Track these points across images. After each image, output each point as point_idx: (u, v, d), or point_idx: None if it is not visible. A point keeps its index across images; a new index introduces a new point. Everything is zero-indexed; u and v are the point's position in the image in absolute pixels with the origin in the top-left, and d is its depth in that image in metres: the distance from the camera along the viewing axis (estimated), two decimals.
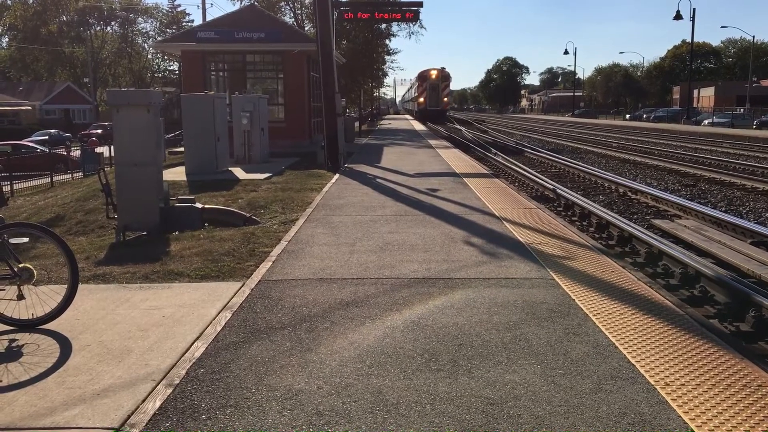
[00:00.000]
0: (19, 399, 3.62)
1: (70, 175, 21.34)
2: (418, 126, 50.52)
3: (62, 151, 23.83)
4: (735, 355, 4.09)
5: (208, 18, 44.17)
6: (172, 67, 77.19)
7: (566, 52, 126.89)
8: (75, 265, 4.87)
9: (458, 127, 52.18)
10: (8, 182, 17.16)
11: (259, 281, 5.94)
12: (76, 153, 23.65)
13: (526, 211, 9.88)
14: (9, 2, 72.35)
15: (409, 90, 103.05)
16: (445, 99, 63.82)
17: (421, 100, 63.97)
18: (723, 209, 12.33)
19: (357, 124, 40.16)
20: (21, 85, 67.29)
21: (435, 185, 13.03)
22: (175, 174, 15.34)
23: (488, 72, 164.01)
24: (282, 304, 5.25)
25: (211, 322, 4.84)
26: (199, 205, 9.56)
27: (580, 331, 4.53)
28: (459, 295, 5.42)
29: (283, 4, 47.85)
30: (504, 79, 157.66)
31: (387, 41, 50.34)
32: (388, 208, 10.14)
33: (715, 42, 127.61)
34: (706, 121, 55.69)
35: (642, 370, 3.86)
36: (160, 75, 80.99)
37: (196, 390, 3.67)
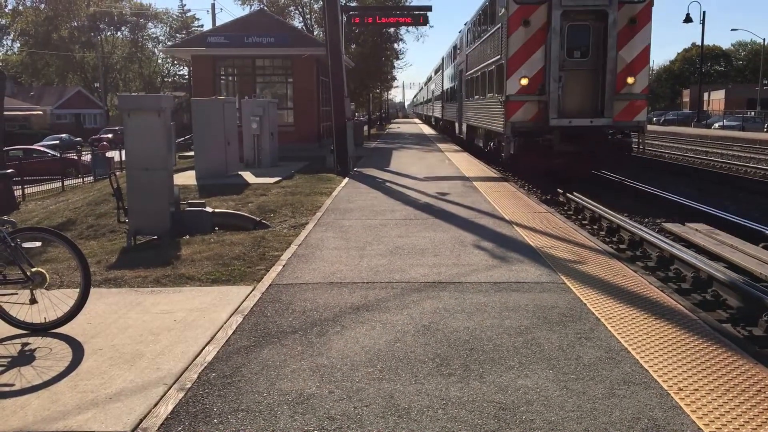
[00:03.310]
0: (32, 403, 3.64)
1: (80, 180, 21.47)
2: (427, 130, 50.31)
3: (73, 156, 24.00)
4: (749, 359, 4.06)
5: (218, 23, 44.41)
6: (182, 72, 77.68)
7: None
8: (87, 269, 4.90)
9: None
10: (20, 186, 17.28)
11: (270, 285, 5.95)
12: (86, 157, 23.80)
13: (536, 214, 9.85)
14: (21, 8, 73.03)
15: (437, 72, 42.93)
16: (630, 80, 14.43)
17: (524, 82, 14.60)
18: (734, 213, 12.23)
19: (366, 127, 40.22)
20: (32, 90, 67.81)
21: (444, 189, 13.01)
22: (186, 178, 15.39)
23: None
24: (293, 308, 5.26)
25: (222, 326, 4.85)
26: (209, 209, 9.59)
27: (592, 336, 4.51)
28: (470, 299, 5.41)
29: (292, 8, 48.17)
30: None
31: (395, 45, 50.09)
32: (397, 212, 10.14)
33: (726, 45, 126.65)
34: (716, 125, 55.40)
35: (655, 375, 3.83)
36: (170, 79, 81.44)
37: (207, 394, 3.68)
